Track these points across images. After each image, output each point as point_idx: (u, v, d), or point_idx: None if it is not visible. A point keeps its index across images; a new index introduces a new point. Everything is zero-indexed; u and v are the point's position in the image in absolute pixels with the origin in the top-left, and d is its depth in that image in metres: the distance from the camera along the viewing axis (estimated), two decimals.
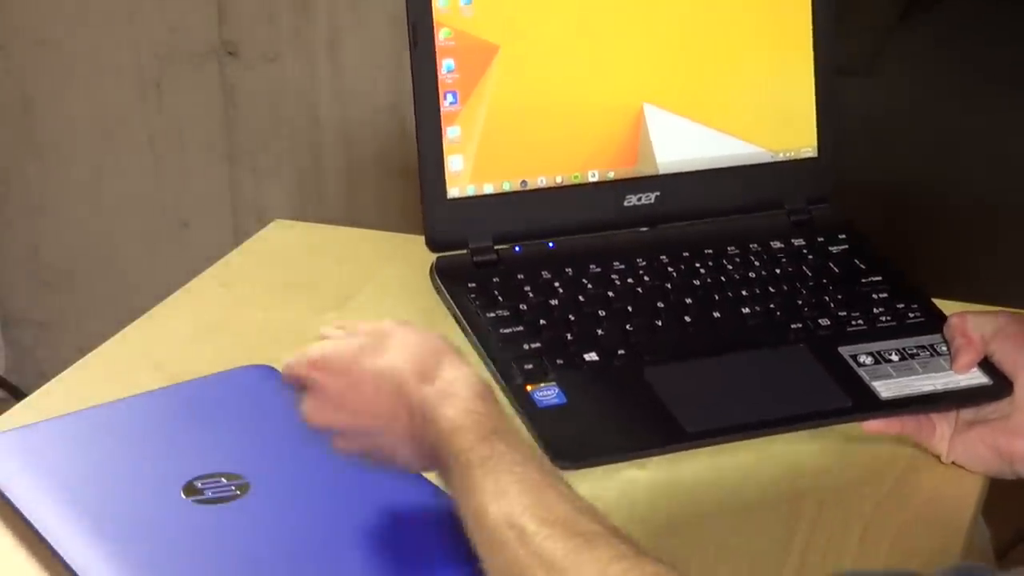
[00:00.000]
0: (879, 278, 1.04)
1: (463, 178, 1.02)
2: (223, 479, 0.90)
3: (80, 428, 0.97)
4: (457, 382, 0.79)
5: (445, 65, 1.00)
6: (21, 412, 1.05)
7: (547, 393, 0.92)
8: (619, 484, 0.93)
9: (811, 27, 1.09)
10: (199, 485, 0.89)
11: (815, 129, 1.09)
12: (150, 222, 2.25)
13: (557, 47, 1.03)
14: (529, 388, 0.92)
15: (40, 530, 0.87)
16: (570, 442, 0.88)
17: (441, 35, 0.99)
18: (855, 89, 2.84)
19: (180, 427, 0.97)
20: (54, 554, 0.85)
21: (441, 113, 1.00)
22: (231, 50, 2.10)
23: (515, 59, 1.02)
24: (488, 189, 1.03)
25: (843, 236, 1.08)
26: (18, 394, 2.17)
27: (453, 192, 1.02)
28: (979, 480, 0.96)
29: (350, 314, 1.18)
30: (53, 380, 1.09)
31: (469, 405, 0.77)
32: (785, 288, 1.03)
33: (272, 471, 0.91)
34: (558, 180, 1.04)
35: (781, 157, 1.09)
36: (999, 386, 0.96)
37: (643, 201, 1.06)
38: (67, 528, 0.86)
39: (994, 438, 0.94)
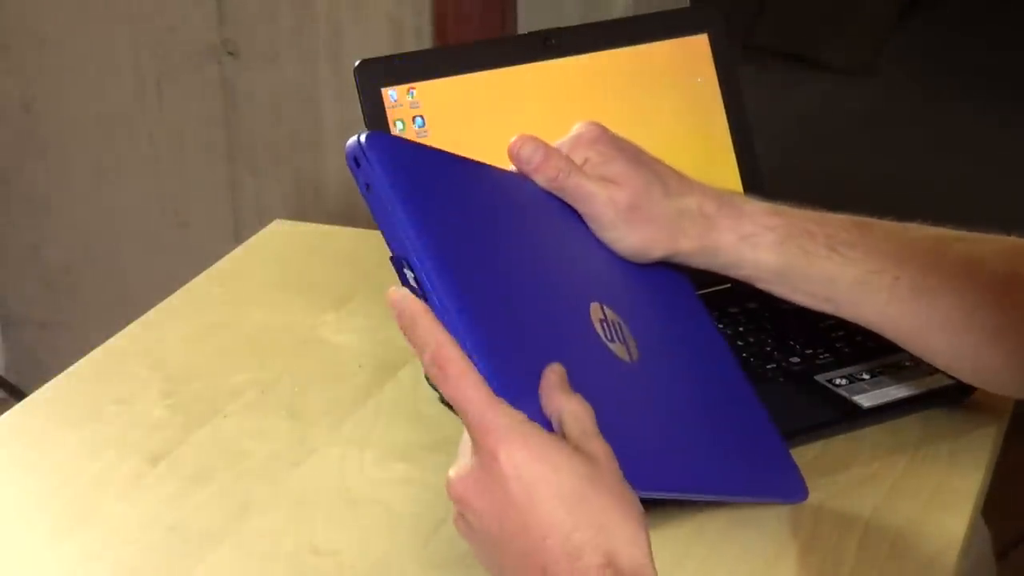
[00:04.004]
0: (832, 320, 1.09)
1: None
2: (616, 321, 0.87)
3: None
4: None
5: None
6: (21, 412, 1.05)
7: None
8: None
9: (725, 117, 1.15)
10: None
11: None
12: (150, 222, 2.25)
13: (507, 157, 1.09)
14: None
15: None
16: None
17: None
18: (855, 89, 2.85)
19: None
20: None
21: None
22: (231, 50, 2.10)
23: None
24: None
25: None
26: (18, 394, 2.18)
27: None
28: (979, 480, 0.96)
29: (349, 315, 1.18)
30: (53, 380, 1.09)
31: None
32: (752, 340, 1.08)
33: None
34: None
35: None
36: (962, 386, 1.02)
37: None
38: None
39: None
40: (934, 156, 2.72)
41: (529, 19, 2.02)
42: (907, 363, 1.05)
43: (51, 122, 2.23)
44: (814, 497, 0.93)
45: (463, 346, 0.73)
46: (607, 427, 0.76)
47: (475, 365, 0.73)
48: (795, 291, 0.93)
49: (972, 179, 2.63)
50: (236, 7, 2.07)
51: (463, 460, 0.73)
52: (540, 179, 0.90)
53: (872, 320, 0.93)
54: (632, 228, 0.91)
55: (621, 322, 0.87)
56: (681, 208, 0.92)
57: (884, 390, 1.02)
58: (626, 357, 0.85)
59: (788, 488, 0.92)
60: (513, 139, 0.91)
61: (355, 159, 0.79)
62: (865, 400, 1.01)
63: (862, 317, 0.93)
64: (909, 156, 2.72)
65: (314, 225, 1.37)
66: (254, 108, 2.13)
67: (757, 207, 0.93)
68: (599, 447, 0.73)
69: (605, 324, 0.85)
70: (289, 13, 2.05)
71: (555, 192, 0.91)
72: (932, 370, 1.03)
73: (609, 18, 1.21)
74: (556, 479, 0.70)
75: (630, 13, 1.93)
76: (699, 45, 1.16)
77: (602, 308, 0.86)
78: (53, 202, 2.28)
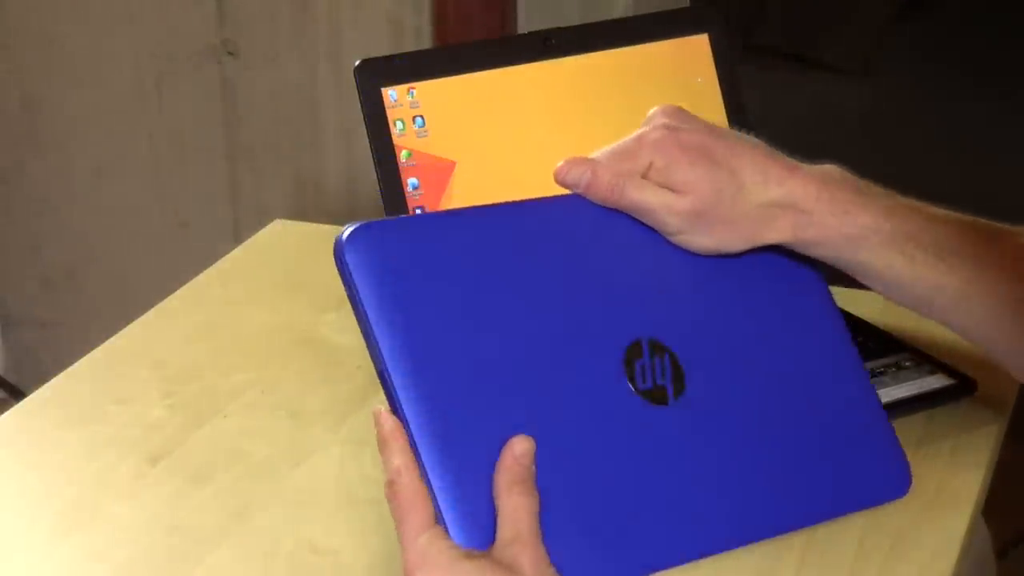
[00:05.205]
0: None
1: None
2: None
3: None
4: None
5: (410, 183, 1.07)
6: (21, 412, 1.05)
7: None
8: None
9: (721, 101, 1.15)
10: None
11: None
12: (150, 222, 2.25)
13: (507, 157, 1.10)
14: None
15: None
16: None
17: (402, 156, 1.06)
18: (855, 89, 2.85)
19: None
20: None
21: None
22: (231, 50, 2.10)
23: (471, 172, 1.09)
24: None
25: None
26: (18, 394, 2.18)
27: None
28: (980, 479, 0.96)
29: (349, 315, 1.18)
30: (53, 380, 1.09)
31: None
32: None
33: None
34: None
35: None
36: (963, 385, 1.03)
37: None
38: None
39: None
40: (934, 156, 2.72)
41: (529, 19, 2.02)
42: (907, 363, 1.04)
43: (51, 122, 2.23)
44: None
45: (422, 468, 0.76)
46: (595, 507, 0.78)
47: (432, 491, 0.76)
48: (889, 288, 0.88)
49: (972, 179, 2.63)
50: (236, 7, 2.07)
51: None
52: (593, 199, 0.87)
53: (965, 328, 0.89)
54: (701, 231, 0.86)
55: (670, 353, 0.83)
56: (766, 202, 0.86)
57: (884, 390, 1.02)
58: (664, 401, 0.82)
59: (883, 488, 0.89)
60: (559, 164, 0.88)
61: (340, 260, 0.78)
62: None
63: (954, 324, 0.89)
64: (909, 156, 2.72)
65: (314, 225, 1.37)
66: (254, 108, 2.13)
67: (864, 202, 0.88)
68: (527, 554, 0.74)
69: (643, 364, 0.82)
70: (289, 13, 2.05)
71: (611, 207, 0.87)
72: (933, 370, 1.03)
73: (609, 18, 1.20)
74: None
75: (630, 13, 1.93)
76: (699, 45, 1.16)
77: (642, 345, 0.83)
78: (53, 202, 2.28)
